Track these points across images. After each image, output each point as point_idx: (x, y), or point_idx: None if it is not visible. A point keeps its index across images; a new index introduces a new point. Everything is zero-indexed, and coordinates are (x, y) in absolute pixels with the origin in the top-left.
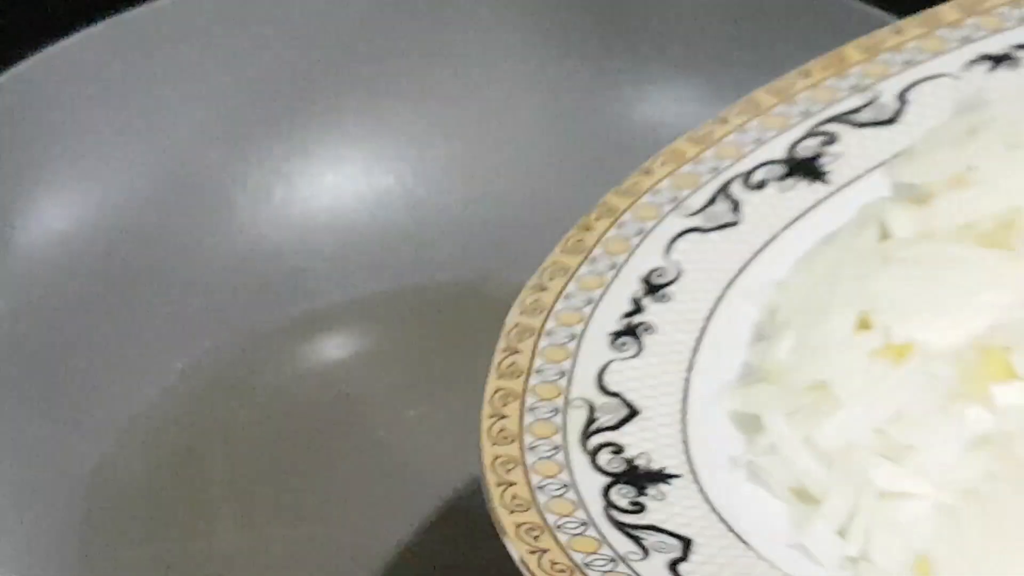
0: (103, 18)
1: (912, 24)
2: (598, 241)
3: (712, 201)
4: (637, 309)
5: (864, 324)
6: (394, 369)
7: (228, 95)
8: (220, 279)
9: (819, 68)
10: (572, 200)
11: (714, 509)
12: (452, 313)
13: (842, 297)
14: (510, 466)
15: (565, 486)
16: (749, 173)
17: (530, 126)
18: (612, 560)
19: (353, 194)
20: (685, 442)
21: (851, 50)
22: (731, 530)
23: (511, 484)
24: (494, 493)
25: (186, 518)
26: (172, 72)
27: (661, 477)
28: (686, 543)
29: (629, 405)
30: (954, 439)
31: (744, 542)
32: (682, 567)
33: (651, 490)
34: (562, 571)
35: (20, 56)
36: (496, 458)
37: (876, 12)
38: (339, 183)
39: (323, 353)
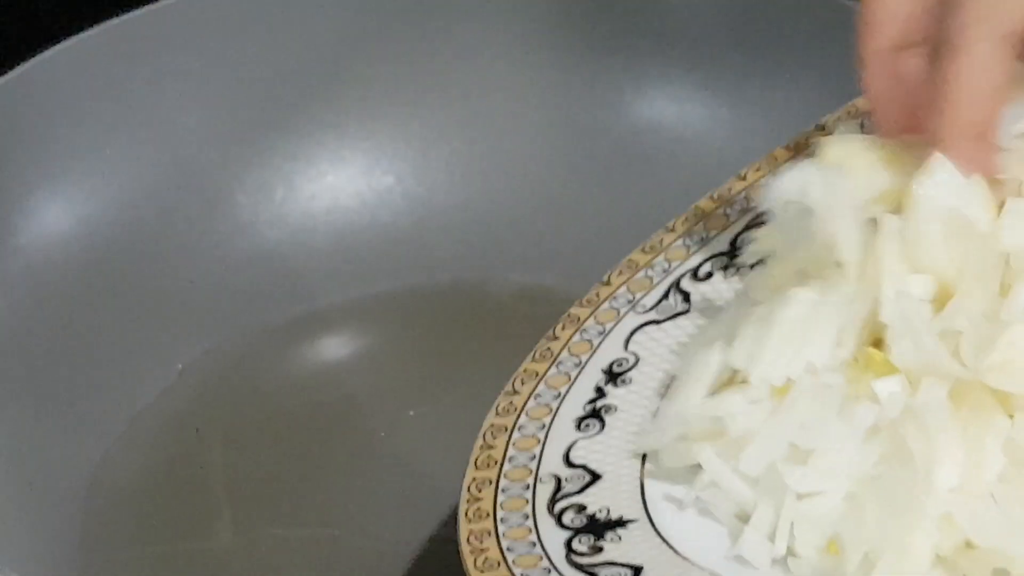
0: (104, 20)
1: (832, 118)
2: (564, 347)
3: (665, 296)
4: (600, 395)
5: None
6: (394, 369)
7: (228, 96)
8: (220, 279)
9: (752, 171)
10: (572, 200)
11: (665, 541)
12: (452, 313)
13: (701, 365)
14: (483, 536)
15: (532, 544)
16: (696, 268)
17: (530, 126)
18: None
19: (353, 194)
20: (642, 494)
21: (781, 151)
22: (679, 554)
23: (484, 550)
24: (468, 560)
25: (186, 518)
26: (173, 73)
27: (619, 523)
28: (637, 570)
29: (592, 473)
30: (850, 435)
31: (689, 561)
32: None
33: (609, 535)
34: None
35: (21, 58)
36: (471, 533)
37: None
38: (339, 183)
39: (323, 353)
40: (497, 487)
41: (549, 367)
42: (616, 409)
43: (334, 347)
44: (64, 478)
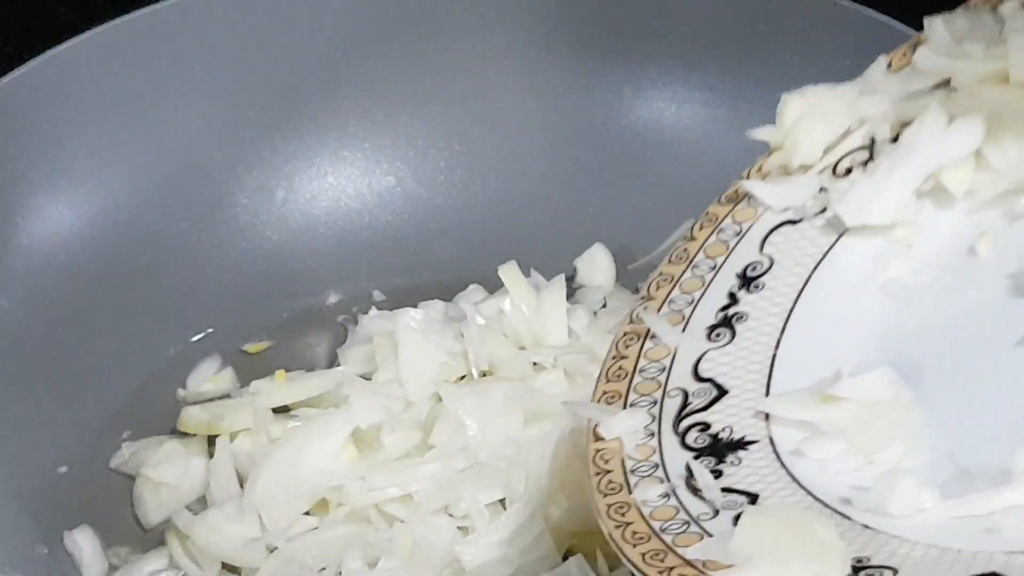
0: (105, 21)
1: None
2: (700, 249)
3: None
4: (733, 302)
5: None
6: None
7: (229, 97)
8: (221, 279)
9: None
10: (571, 200)
11: (784, 466)
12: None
13: None
14: (608, 456)
15: (655, 466)
16: (836, 163)
17: (529, 127)
18: (686, 523)
19: (354, 195)
20: (767, 413)
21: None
22: (796, 482)
23: (608, 472)
24: (593, 481)
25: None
26: (173, 74)
27: (740, 445)
28: (753, 498)
29: (719, 387)
30: None
31: (808, 492)
32: (745, 511)
33: (730, 457)
34: (641, 539)
35: (23, 58)
36: (598, 452)
37: (872, 14)
38: (340, 184)
39: (323, 352)
40: (626, 401)
41: (684, 270)
42: (747, 317)
43: (334, 346)
44: (61, 475)
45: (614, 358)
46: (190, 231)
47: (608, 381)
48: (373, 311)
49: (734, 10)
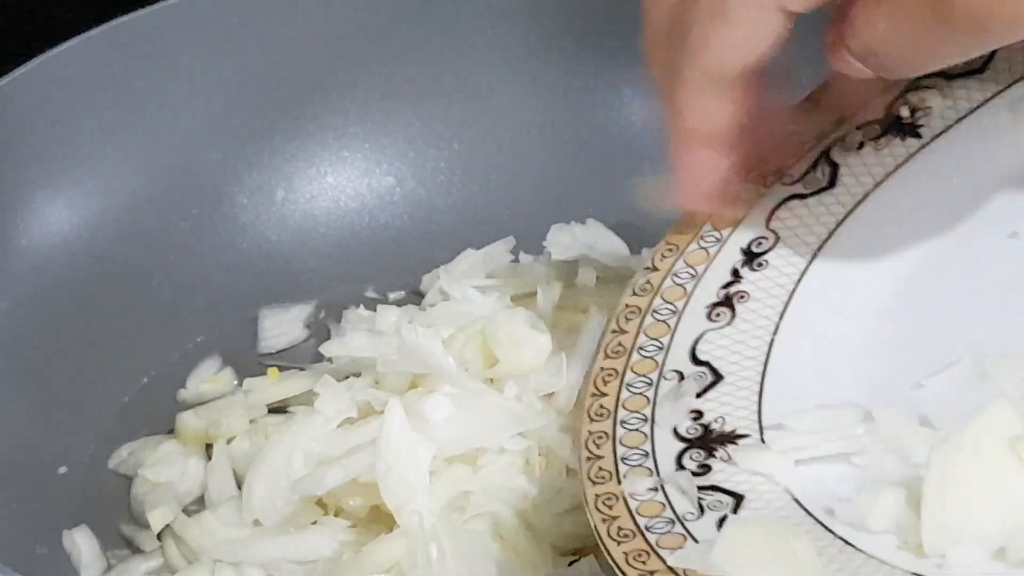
0: (106, 20)
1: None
2: (708, 218)
3: (813, 167)
4: (735, 279)
5: None
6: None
7: (229, 97)
8: (220, 279)
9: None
10: (572, 201)
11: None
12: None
13: None
14: (601, 440)
15: (645, 454)
16: (845, 136)
17: (529, 127)
18: (671, 522)
19: (353, 195)
20: (759, 404)
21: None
22: (783, 488)
23: (599, 458)
24: (583, 467)
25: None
26: (173, 74)
27: (730, 438)
28: (739, 499)
29: (715, 372)
30: None
31: (793, 497)
32: (727, 521)
33: (719, 452)
34: (626, 536)
35: (23, 58)
36: (591, 434)
37: None
38: (340, 184)
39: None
40: (622, 382)
41: (691, 241)
42: (748, 297)
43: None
44: (61, 475)
45: (614, 332)
46: (190, 231)
47: (607, 358)
48: (361, 309)
49: None
